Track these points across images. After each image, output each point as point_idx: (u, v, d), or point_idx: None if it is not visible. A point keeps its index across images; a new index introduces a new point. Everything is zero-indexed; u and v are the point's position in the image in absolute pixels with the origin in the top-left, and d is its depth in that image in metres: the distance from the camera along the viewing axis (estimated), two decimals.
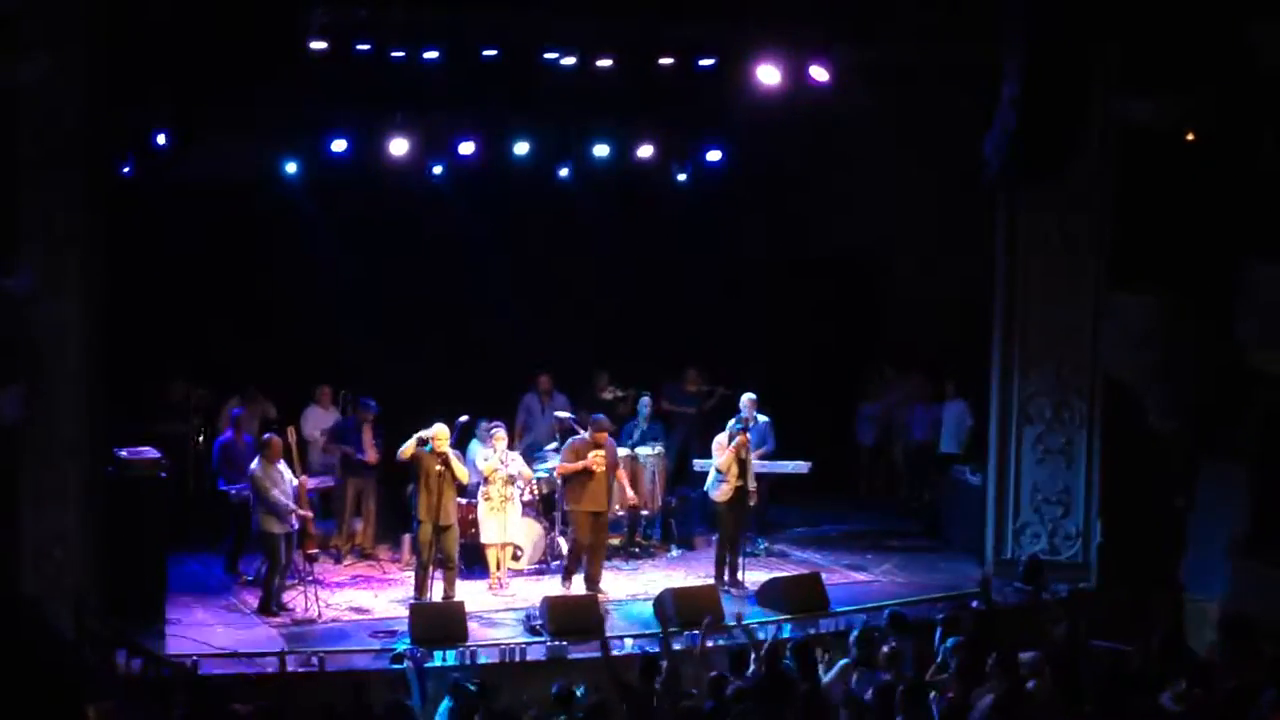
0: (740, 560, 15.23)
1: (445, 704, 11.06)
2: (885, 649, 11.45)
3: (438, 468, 14.08)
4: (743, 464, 15.08)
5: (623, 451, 15.69)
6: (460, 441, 15.33)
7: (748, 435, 15.16)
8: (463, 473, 14.47)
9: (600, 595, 14.44)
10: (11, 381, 12.25)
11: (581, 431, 15.17)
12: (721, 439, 15.21)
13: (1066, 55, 14.60)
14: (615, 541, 16.02)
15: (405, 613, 13.64)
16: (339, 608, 14.40)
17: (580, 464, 14.52)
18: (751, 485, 15.30)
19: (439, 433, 14.22)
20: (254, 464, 14.13)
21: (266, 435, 14.46)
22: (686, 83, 16.00)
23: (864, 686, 10.96)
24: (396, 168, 17.07)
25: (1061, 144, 14.87)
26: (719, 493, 15.15)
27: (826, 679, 11.29)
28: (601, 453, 14.54)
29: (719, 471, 15.14)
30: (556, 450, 16.20)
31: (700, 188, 18.83)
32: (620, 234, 18.87)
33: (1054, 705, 10.71)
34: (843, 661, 11.54)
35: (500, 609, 14.37)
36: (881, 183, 18.09)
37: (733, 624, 13.32)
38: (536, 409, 17.51)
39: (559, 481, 15.10)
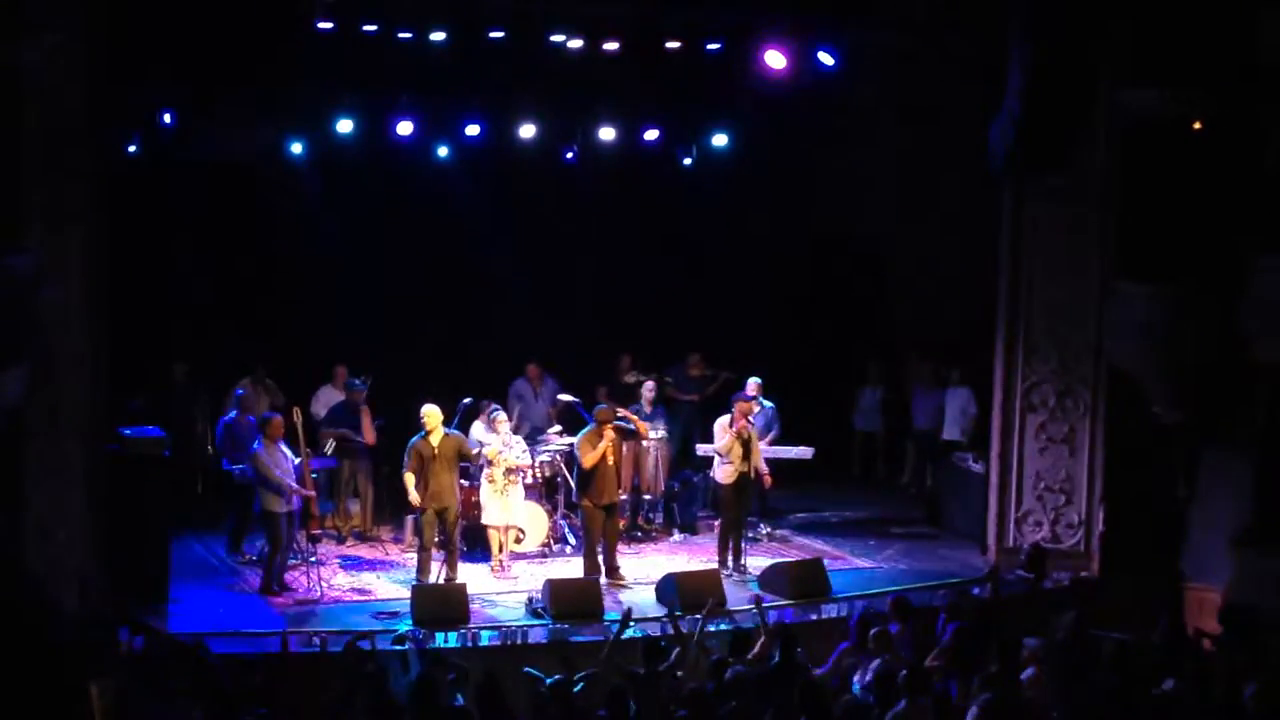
0: (743, 545, 15.25)
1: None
2: (874, 631, 11.49)
3: (433, 451, 14.10)
4: (746, 446, 15.07)
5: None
6: (463, 424, 15.35)
7: (749, 422, 15.12)
8: (470, 455, 14.55)
9: (620, 581, 14.44)
10: (15, 361, 12.25)
11: (587, 415, 15.19)
12: (723, 421, 15.20)
13: (1072, 46, 14.60)
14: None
15: (407, 594, 13.68)
16: (341, 588, 14.43)
17: (600, 448, 14.41)
18: (763, 468, 15.33)
19: (429, 413, 14.22)
20: (256, 444, 14.16)
21: (267, 415, 14.48)
22: (693, 66, 16.01)
23: (860, 671, 11.01)
24: (402, 149, 17.07)
25: (1067, 134, 14.88)
26: (723, 475, 15.15)
27: (824, 667, 11.35)
28: (606, 442, 14.46)
29: (721, 454, 15.14)
30: (559, 434, 16.26)
31: (706, 172, 18.80)
32: (625, 218, 18.86)
33: (1052, 693, 10.74)
34: (843, 645, 11.58)
35: (502, 591, 14.40)
36: (887, 169, 18.08)
37: (738, 608, 13.38)
38: (529, 395, 17.51)
39: (576, 475, 14.93)
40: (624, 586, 14.49)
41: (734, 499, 15.16)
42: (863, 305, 19.68)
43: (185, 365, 17.03)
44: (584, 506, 14.63)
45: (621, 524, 16.05)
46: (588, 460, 14.47)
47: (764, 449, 15.74)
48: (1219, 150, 14.56)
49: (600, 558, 14.59)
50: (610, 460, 14.51)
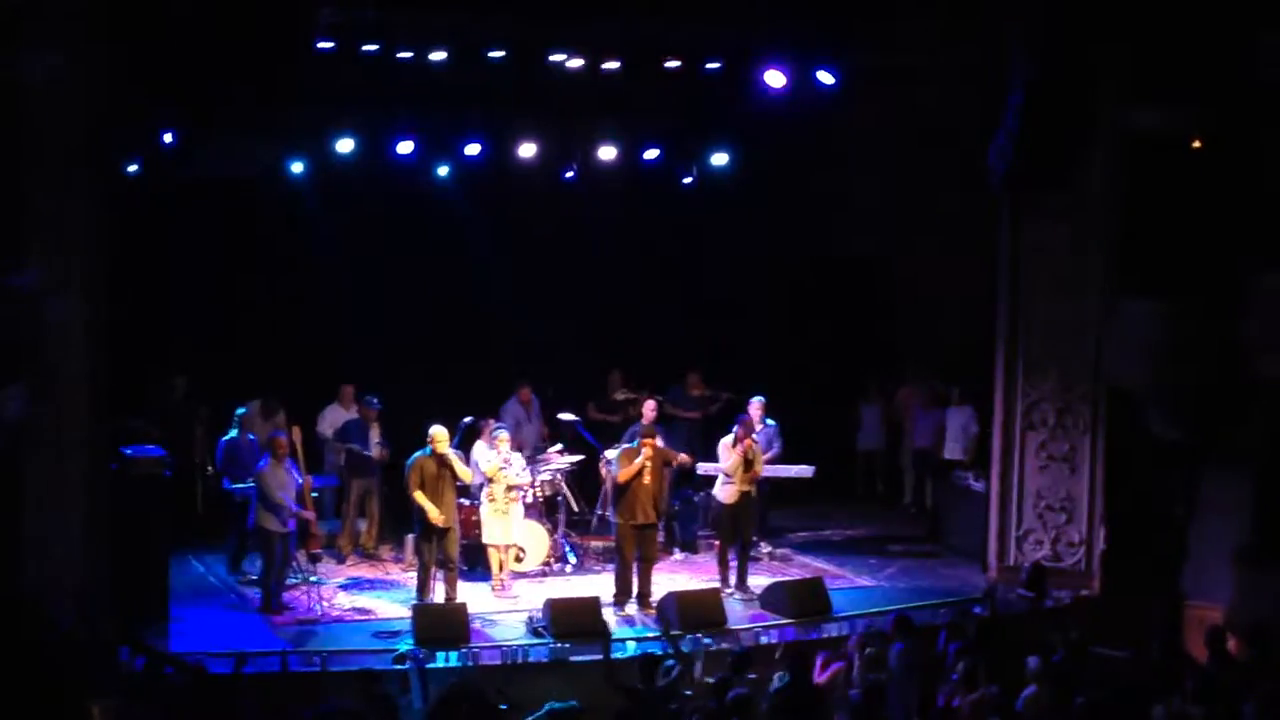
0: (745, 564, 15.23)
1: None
2: (868, 652, 11.47)
3: (435, 470, 14.09)
4: (749, 465, 15.04)
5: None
6: (464, 443, 15.34)
7: (754, 440, 15.11)
8: (465, 474, 14.50)
9: (650, 610, 14.33)
10: (16, 379, 12.26)
11: (587, 434, 15.12)
12: (727, 440, 15.19)
13: (1072, 64, 14.63)
14: None
15: (408, 613, 13.65)
16: (341, 607, 14.42)
17: (635, 464, 14.32)
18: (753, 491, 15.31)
19: (437, 434, 14.21)
20: (262, 462, 14.16)
21: (272, 434, 14.48)
22: (693, 86, 16.02)
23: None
24: (402, 168, 17.09)
25: (1066, 151, 14.91)
26: (725, 494, 15.12)
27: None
28: (643, 460, 14.34)
29: (726, 474, 15.11)
30: (560, 453, 16.25)
31: (706, 191, 18.83)
32: (625, 237, 18.88)
33: (1052, 712, 10.72)
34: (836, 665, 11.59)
35: (503, 610, 14.38)
36: (887, 186, 18.09)
37: (740, 626, 13.37)
38: (521, 416, 17.49)
39: (611, 490, 14.89)
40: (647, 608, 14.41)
41: (736, 518, 15.13)
42: (863, 323, 19.68)
43: (185, 379, 17.00)
44: (617, 524, 14.54)
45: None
46: (621, 475, 14.37)
47: (765, 469, 15.69)
48: (1219, 168, 14.58)
49: (634, 580, 14.49)
50: (647, 480, 14.41)
